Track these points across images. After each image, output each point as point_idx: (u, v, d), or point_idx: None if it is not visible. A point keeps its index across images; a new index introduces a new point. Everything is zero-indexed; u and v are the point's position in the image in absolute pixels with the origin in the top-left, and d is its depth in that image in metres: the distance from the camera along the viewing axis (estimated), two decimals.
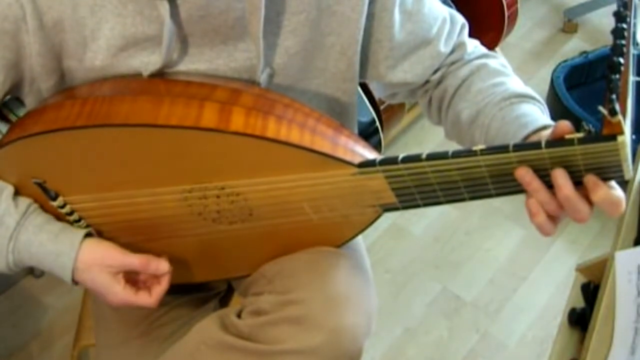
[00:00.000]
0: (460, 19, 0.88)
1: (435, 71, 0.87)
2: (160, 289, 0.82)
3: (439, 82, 0.88)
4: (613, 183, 0.64)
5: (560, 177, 0.63)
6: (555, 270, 1.72)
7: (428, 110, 0.91)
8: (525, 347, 1.56)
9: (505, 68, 0.85)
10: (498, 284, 1.69)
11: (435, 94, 0.88)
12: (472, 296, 1.67)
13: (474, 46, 0.88)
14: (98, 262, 0.79)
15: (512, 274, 1.72)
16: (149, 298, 0.82)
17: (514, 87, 0.80)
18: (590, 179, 0.63)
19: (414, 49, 0.85)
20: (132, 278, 0.82)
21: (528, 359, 1.55)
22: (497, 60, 0.86)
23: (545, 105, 0.80)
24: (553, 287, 1.68)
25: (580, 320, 0.89)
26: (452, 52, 0.87)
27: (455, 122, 0.84)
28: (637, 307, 0.78)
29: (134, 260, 0.79)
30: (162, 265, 0.81)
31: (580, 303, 0.92)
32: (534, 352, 1.55)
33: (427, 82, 0.88)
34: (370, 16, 0.81)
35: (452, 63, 0.87)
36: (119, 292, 0.80)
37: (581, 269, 0.96)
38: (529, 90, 0.80)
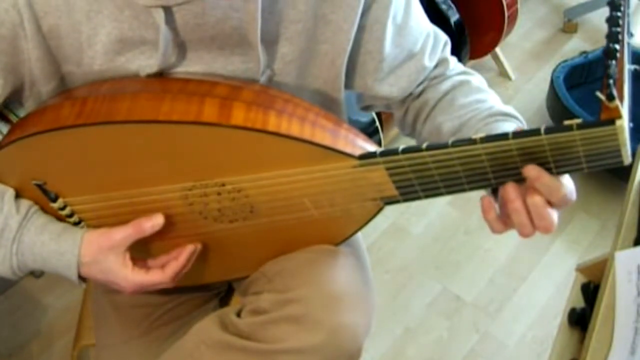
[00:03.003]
0: (444, 36, 0.89)
1: (418, 85, 0.87)
2: (175, 264, 0.81)
3: (419, 94, 0.88)
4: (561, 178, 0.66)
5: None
6: (555, 270, 1.72)
7: (402, 121, 0.92)
8: (525, 347, 1.56)
9: (484, 85, 0.87)
10: (498, 284, 1.69)
11: (413, 105, 0.89)
12: (472, 296, 1.67)
13: (454, 62, 0.90)
14: (103, 247, 0.78)
15: (512, 274, 1.72)
16: (161, 273, 0.81)
17: (498, 106, 0.81)
18: (529, 169, 0.64)
19: (401, 62, 0.85)
20: (142, 264, 0.82)
21: (528, 359, 1.55)
22: (477, 77, 0.88)
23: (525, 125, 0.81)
24: (553, 287, 1.68)
25: (580, 320, 0.89)
26: (435, 67, 0.88)
27: (435, 133, 0.84)
28: (637, 307, 0.78)
29: (128, 230, 0.78)
30: (156, 220, 0.79)
31: (580, 303, 0.92)
32: (534, 352, 1.55)
33: (409, 94, 0.89)
34: (361, 28, 0.81)
35: (434, 77, 0.88)
36: (129, 275, 0.79)
37: (581, 269, 0.96)
38: (511, 110, 0.81)
